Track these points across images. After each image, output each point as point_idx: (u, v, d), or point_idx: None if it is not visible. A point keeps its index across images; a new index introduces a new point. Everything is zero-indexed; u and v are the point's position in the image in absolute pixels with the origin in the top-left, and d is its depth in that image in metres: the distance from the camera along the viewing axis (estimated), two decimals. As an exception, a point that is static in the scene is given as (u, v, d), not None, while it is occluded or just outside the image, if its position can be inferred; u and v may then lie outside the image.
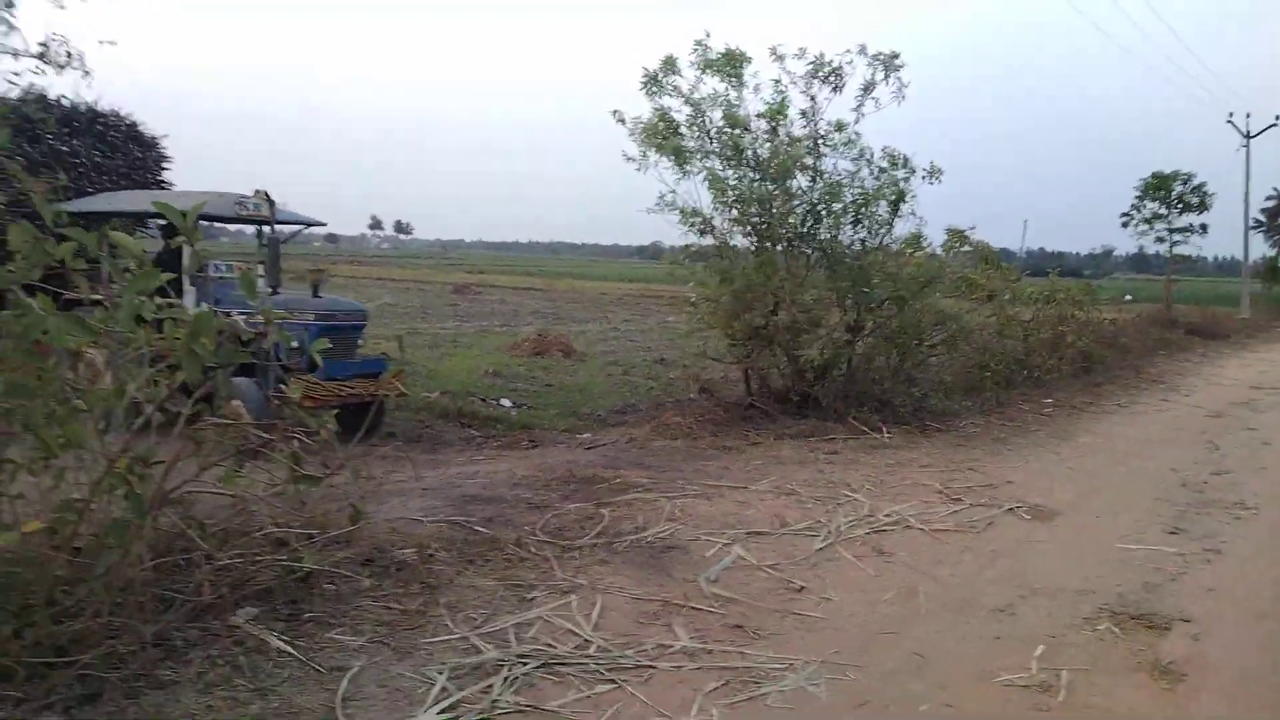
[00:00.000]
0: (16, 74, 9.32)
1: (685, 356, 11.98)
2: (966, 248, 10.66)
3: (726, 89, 9.01)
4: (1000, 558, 5.06)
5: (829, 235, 9.30)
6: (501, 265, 73.16)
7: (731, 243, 9.16)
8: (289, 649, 3.39)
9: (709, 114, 8.92)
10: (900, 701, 3.35)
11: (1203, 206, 26.73)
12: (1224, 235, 62.98)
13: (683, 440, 7.98)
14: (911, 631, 3.98)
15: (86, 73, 9.85)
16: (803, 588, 4.46)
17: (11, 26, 9.11)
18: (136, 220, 10.24)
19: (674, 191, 9.07)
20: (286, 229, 9.69)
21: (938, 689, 3.43)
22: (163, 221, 9.26)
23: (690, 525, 5.34)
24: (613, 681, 3.37)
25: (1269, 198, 61.78)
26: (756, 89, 9.03)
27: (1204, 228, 27.50)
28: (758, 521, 5.49)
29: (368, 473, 4.67)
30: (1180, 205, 26.66)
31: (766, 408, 9.01)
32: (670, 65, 9.09)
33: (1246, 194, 35.26)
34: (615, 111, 9.44)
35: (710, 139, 8.94)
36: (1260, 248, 52.96)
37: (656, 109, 9.08)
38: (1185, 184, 26.52)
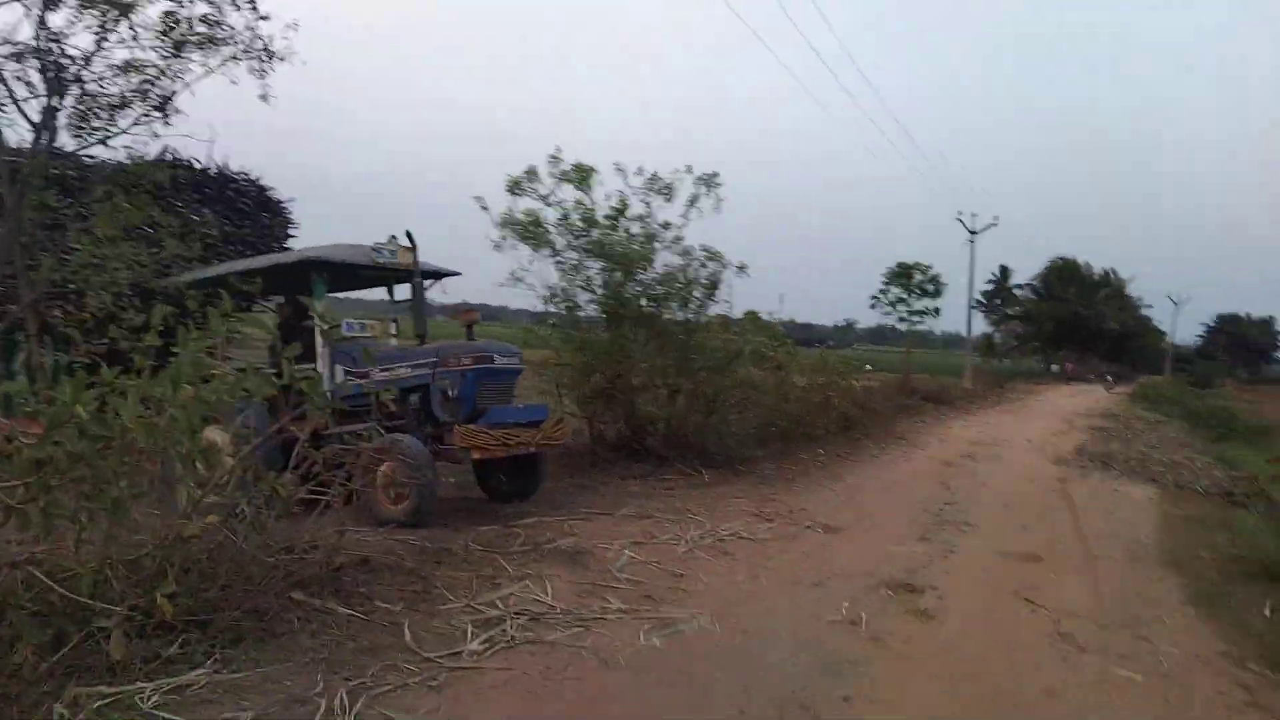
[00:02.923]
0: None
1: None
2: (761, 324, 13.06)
3: (579, 195, 10.96)
4: (808, 556, 7.07)
5: (660, 314, 11.34)
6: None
7: (581, 315, 11.01)
8: (355, 614, 4.77)
9: (571, 215, 10.80)
10: (765, 631, 5.18)
11: (937, 293, 31.55)
12: (952, 312, 72.71)
13: (549, 481, 9.60)
14: (762, 597, 5.85)
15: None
16: (681, 574, 6.23)
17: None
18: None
19: (528, 269, 10.88)
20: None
21: (786, 624, 5.29)
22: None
23: (586, 538, 6.98)
24: (582, 625, 5.00)
25: (988, 281, 71.30)
26: (608, 196, 11.05)
27: (937, 311, 32.37)
28: (634, 535, 7.23)
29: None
30: (919, 291, 31.32)
31: (608, 455, 10.80)
32: (532, 174, 10.94)
33: (971, 281, 41.46)
34: (478, 198, 11.18)
35: (573, 234, 10.80)
36: (980, 325, 61.09)
37: (526, 211, 10.88)
38: (924, 273, 31.24)
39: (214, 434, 6.86)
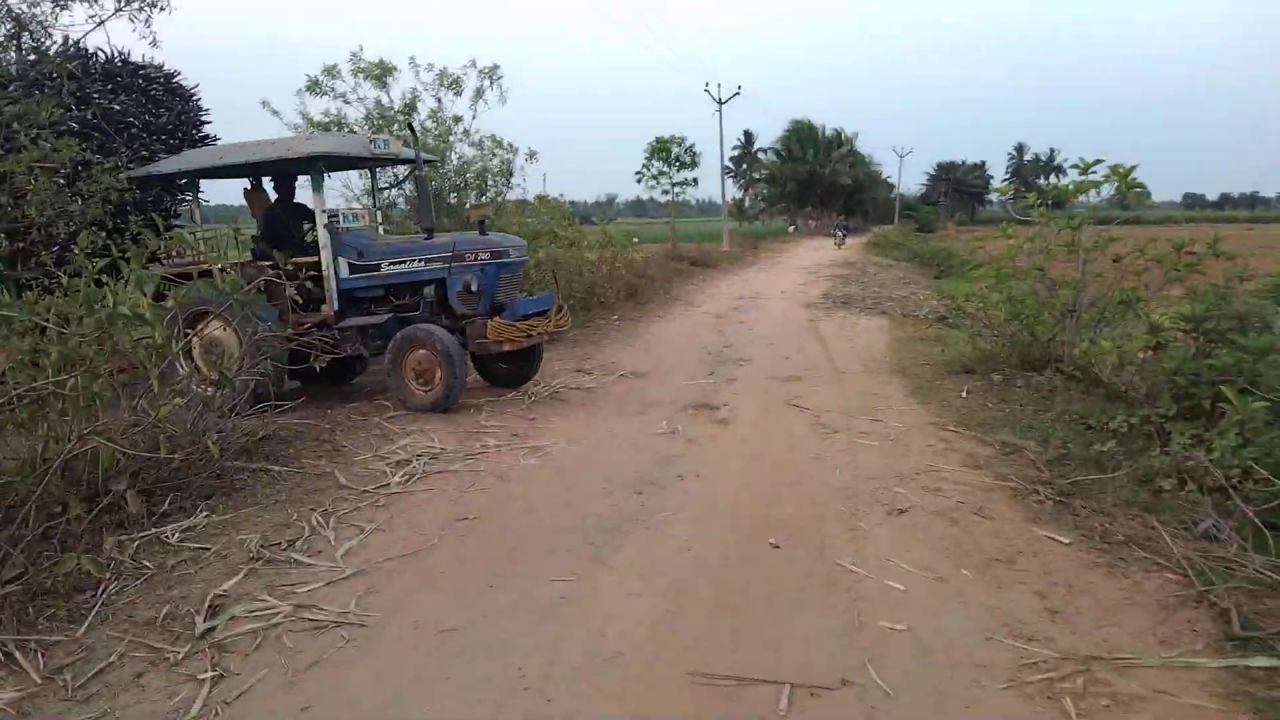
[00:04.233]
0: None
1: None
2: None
3: (378, 93, 11.66)
4: (627, 394, 8.72)
5: (462, 202, 12.40)
6: None
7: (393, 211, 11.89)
8: (289, 469, 5.91)
9: (372, 114, 11.50)
10: (610, 445, 6.78)
11: (694, 164, 33.78)
12: (705, 181, 76.83)
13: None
14: (600, 425, 7.43)
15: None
16: (533, 418, 7.70)
17: None
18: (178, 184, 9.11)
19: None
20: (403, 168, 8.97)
21: (624, 439, 6.92)
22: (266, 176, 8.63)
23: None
24: (472, 458, 6.39)
25: (734, 148, 74.99)
26: (403, 95, 11.81)
27: (695, 181, 34.66)
28: (483, 395, 8.58)
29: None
30: (679, 163, 33.41)
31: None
32: (332, 72, 11.47)
33: (721, 150, 44.04)
34: (265, 102, 11.64)
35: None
36: (731, 190, 64.68)
37: (325, 112, 11.45)
38: (681, 146, 33.27)
39: (214, 327, 7.34)
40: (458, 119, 12.34)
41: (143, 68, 9.56)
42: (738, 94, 42.45)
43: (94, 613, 3.80)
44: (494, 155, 12.45)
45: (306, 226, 8.44)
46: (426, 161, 8.37)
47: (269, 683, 3.32)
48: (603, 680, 3.29)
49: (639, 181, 35.08)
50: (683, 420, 7.54)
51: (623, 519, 5.07)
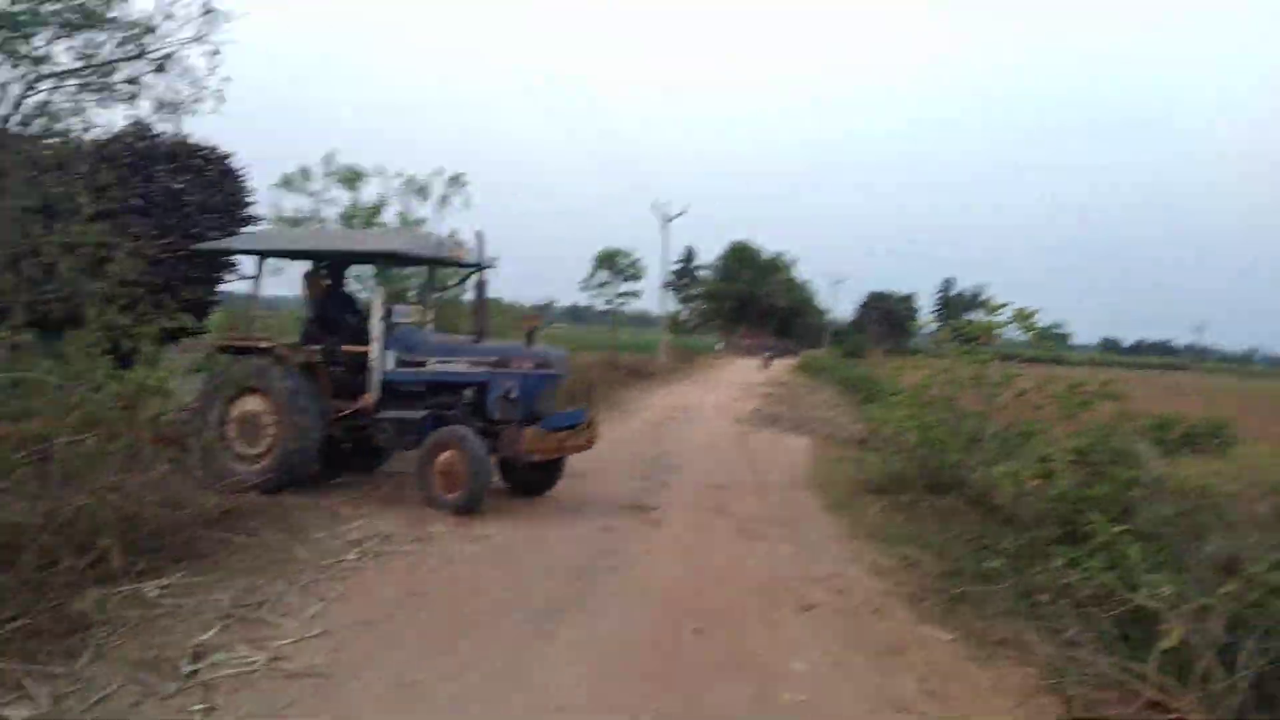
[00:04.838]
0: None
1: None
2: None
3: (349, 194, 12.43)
4: (568, 491, 9.25)
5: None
6: None
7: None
8: (250, 541, 6.35)
9: (346, 212, 12.25)
10: (550, 536, 7.32)
11: (637, 276, 35.16)
12: (648, 295, 78.99)
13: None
14: (542, 517, 7.98)
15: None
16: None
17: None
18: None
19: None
20: (460, 270, 9.04)
21: (565, 531, 7.47)
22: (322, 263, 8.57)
23: (393, 489, 8.76)
24: (421, 541, 6.88)
25: (675, 262, 77.28)
26: (374, 197, 12.60)
27: (638, 294, 35.98)
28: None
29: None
30: (623, 275, 34.73)
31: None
32: (305, 173, 12.24)
33: (664, 266, 45.64)
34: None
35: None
36: (671, 304, 66.39)
37: (296, 209, 12.17)
38: (626, 259, 34.66)
39: (253, 402, 7.83)
40: (422, 221, 13.16)
41: (200, 149, 9.97)
42: (683, 213, 44.32)
43: (88, 652, 4.23)
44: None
45: (350, 316, 8.70)
46: (487, 267, 8.69)
47: (254, 717, 3.78)
48: (546, 728, 3.84)
49: (584, 290, 36.25)
50: (618, 518, 8.14)
51: (562, 601, 5.63)
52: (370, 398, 8.23)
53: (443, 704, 4.01)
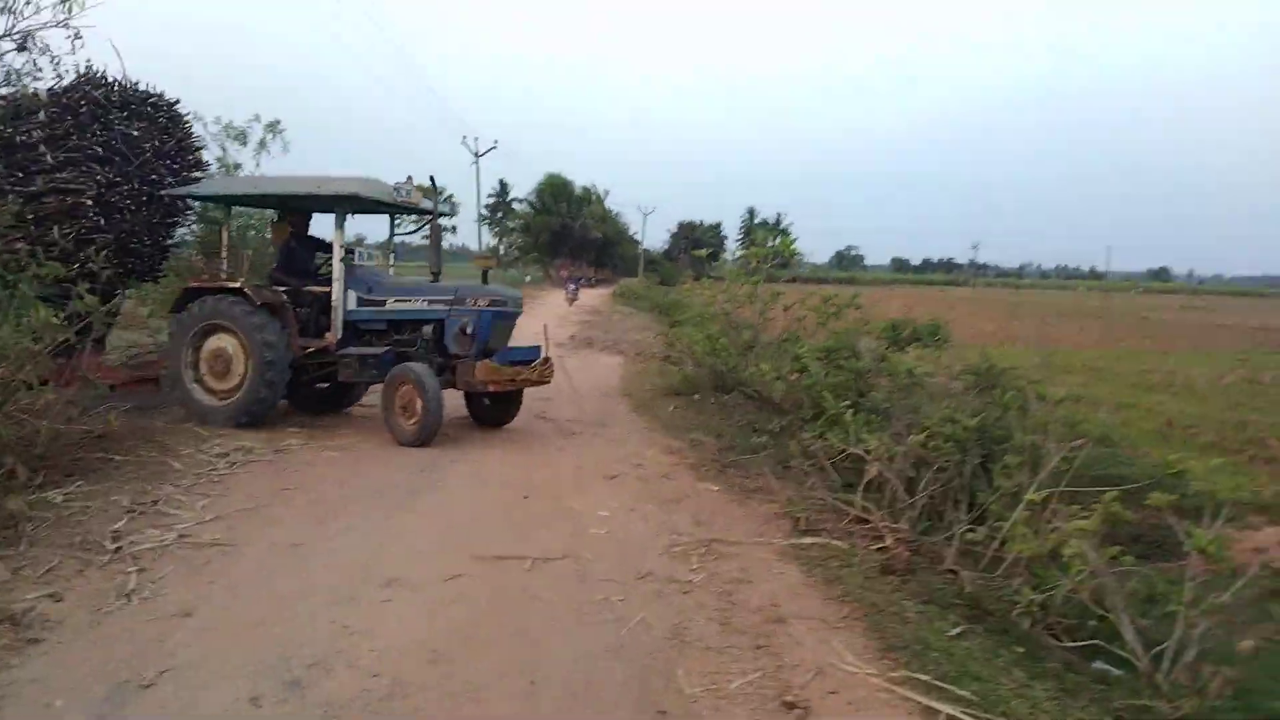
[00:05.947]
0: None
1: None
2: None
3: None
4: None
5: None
6: None
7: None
8: (129, 459, 7.19)
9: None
10: (394, 441, 8.48)
11: (454, 213, 35.44)
12: (464, 229, 78.81)
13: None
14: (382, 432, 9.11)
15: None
16: (329, 425, 9.24)
17: None
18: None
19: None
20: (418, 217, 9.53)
21: (437, 449, 8.65)
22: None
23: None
24: (280, 451, 7.89)
25: (489, 195, 77.14)
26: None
27: (455, 229, 36.41)
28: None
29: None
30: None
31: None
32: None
33: (478, 199, 46.16)
34: None
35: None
36: (487, 237, 66.63)
37: None
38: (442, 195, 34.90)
39: (224, 341, 8.47)
40: (238, 166, 13.56)
41: (151, 95, 9.86)
42: (494, 148, 44.81)
43: (24, 541, 5.13)
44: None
45: (320, 259, 9.18)
46: (441, 214, 9.11)
47: (178, 572, 4.87)
48: (417, 561, 5.13)
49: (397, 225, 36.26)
50: (457, 428, 9.36)
51: (417, 486, 6.87)
52: (333, 336, 8.82)
53: (325, 558, 5.20)
